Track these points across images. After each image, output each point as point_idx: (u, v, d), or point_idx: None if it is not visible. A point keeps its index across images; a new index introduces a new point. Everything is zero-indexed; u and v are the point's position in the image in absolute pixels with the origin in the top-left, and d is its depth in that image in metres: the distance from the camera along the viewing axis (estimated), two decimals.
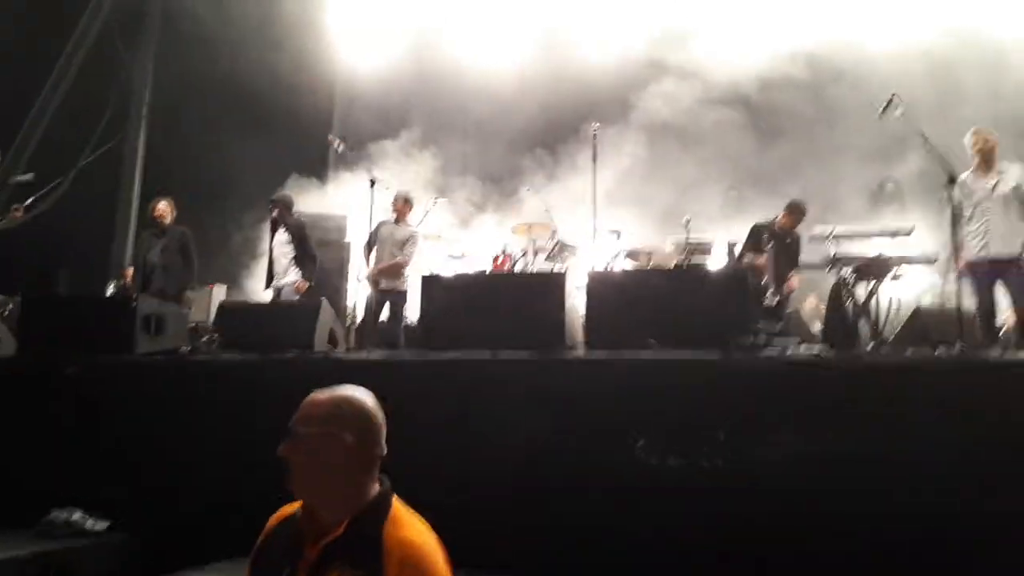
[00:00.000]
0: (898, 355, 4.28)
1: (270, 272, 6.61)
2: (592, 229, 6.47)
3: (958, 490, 3.15)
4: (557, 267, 7.25)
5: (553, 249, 7.49)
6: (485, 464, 3.79)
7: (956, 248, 5.03)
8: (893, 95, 4.83)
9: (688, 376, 3.78)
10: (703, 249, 7.26)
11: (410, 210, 6.97)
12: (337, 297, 7.55)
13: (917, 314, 6.12)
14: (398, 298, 6.70)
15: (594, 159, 6.41)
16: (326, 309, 5.01)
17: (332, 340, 5.06)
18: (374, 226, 6.60)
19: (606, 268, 7.08)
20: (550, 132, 9.44)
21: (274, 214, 6.69)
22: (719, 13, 8.96)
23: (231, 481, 3.97)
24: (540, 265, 7.48)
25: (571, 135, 8.86)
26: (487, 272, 6.96)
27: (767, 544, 3.30)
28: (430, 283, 4.71)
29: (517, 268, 7.39)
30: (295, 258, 6.51)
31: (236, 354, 4.78)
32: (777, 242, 6.41)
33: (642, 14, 9.27)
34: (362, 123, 10.12)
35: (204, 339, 5.84)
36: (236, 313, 5.34)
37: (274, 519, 1.84)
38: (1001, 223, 5.22)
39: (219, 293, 8.55)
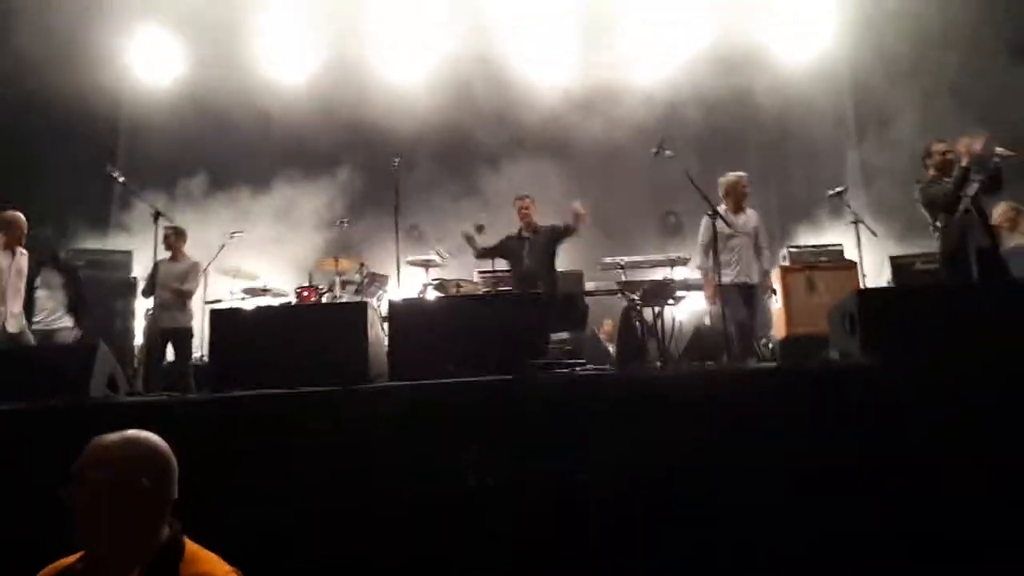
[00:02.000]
0: (675, 369, 4.71)
1: (29, 311, 5.93)
2: (397, 262, 6.49)
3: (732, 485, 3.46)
4: (368, 299, 7.18)
5: (363, 281, 7.43)
6: (287, 502, 3.64)
7: (712, 274, 5.72)
8: (662, 139, 5.39)
9: (489, 398, 3.88)
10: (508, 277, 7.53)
11: (184, 243, 6.67)
12: (123, 338, 7.00)
13: (697, 333, 6.76)
14: (183, 336, 6.35)
15: (396, 192, 6.47)
16: (103, 351, 4.60)
17: (112, 385, 4.64)
18: (151, 267, 6.21)
19: (416, 298, 7.14)
20: (354, 160, 9.39)
21: (39, 256, 6.08)
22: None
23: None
24: (350, 298, 7.38)
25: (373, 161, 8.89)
26: (284, 305, 6.75)
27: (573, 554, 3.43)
28: (222, 318, 4.48)
29: (324, 300, 7.24)
30: (69, 305, 5.96)
31: None
32: (527, 246, 6.68)
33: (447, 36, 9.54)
34: (150, 152, 9.48)
35: None
36: None
37: (44, 574, 1.75)
38: (748, 255, 6.07)
39: None
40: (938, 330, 3.65)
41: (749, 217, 6.27)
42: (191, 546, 1.76)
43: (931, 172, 5.82)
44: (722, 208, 5.99)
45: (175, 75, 9.75)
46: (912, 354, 3.56)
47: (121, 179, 5.82)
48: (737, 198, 6.22)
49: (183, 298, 6.41)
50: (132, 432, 1.78)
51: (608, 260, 6.99)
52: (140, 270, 7.59)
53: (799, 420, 3.51)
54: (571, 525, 3.50)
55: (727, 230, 5.79)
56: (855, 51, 9.31)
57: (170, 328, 6.32)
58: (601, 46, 9.39)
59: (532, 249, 6.59)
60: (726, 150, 8.74)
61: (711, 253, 5.75)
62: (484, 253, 6.90)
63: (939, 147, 5.87)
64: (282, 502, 3.62)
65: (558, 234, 6.66)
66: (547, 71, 9.58)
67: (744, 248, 6.10)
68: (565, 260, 8.21)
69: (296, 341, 4.27)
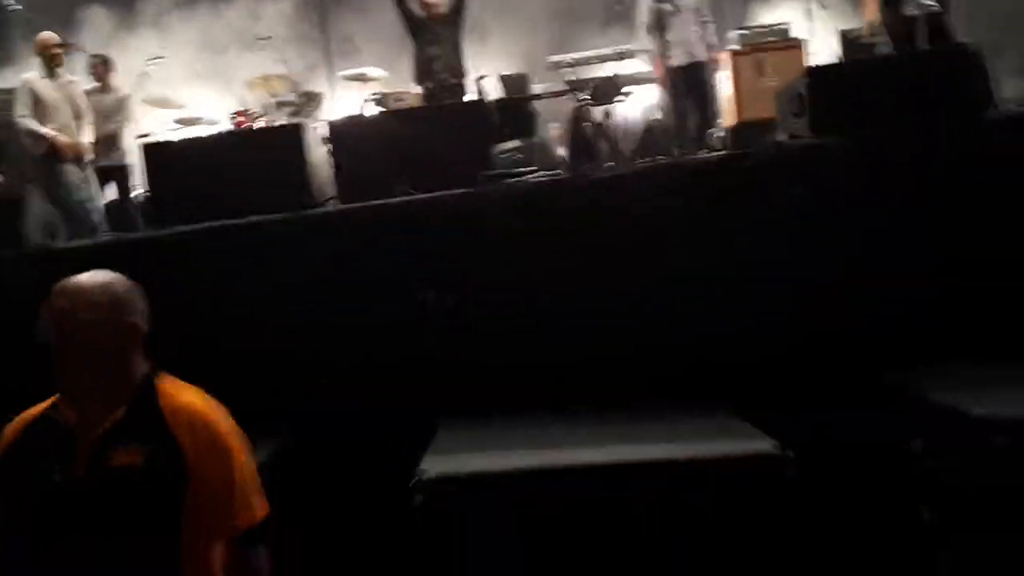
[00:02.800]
0: (628, 168, 4.69)
1: None
2: (331, 76, 6.12)
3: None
4: (305, 121, 6.86)
5: (298, 102, 7.06)
6: (255, 335, 3.67)
7: (657, 58, 5.51)
8: None
9: (443, 215, 3.83)
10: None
11: (111, 71, 6.19)
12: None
13: (648, 129, 6.67)
14: (121, 174, 6.07)
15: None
16: (35, 199, 4.40)
17: (50, 232, 4.49)
18: None
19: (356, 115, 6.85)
20: None
21: None
22: None
23: None
24: (287, 120, 7.04)
25: None
26: (219, 133, 6.43)
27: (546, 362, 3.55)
28: (155, 152, 4.27)
29: (260, 125, 6.91)
30: None
31: None
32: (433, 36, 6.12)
33: None
34: None
35: None
36: None
37: (16, 425, 1.75)
38: (694, 31, 5.81)
39: None
40: (887, 102, 3.63)
41: None
42: (167, 379, 1.78)
43: None
44: None
45: None
46: (862, 129, 3.54)
47: (13, 7, 5.25)
48: None
49: (119, 137, 6.06)
50: (101, 272, 1.74)
51: (554, 59, 6.68)
52: None
53: (753, 208, 3.55)
54: (531, 336, 3.58)
55: (668, 7, 5.48)
56: None
57: (106, 167, 5.97)
58: None
59: (438, 40, 6.06)
60: None
61: (656, 34, 5.54)
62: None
63: None
64: (241, 333, 3.65)
65: (458, 6, 6.05)
66: None
67: (687, 24, 5.85)
68: (508, 62, 7.86)
69: (236, 170, 4.10)
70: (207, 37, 8.36)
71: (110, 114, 6.02)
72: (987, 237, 3.37)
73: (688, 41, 5.82)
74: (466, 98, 6.11)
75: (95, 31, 7.87)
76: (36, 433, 1.72)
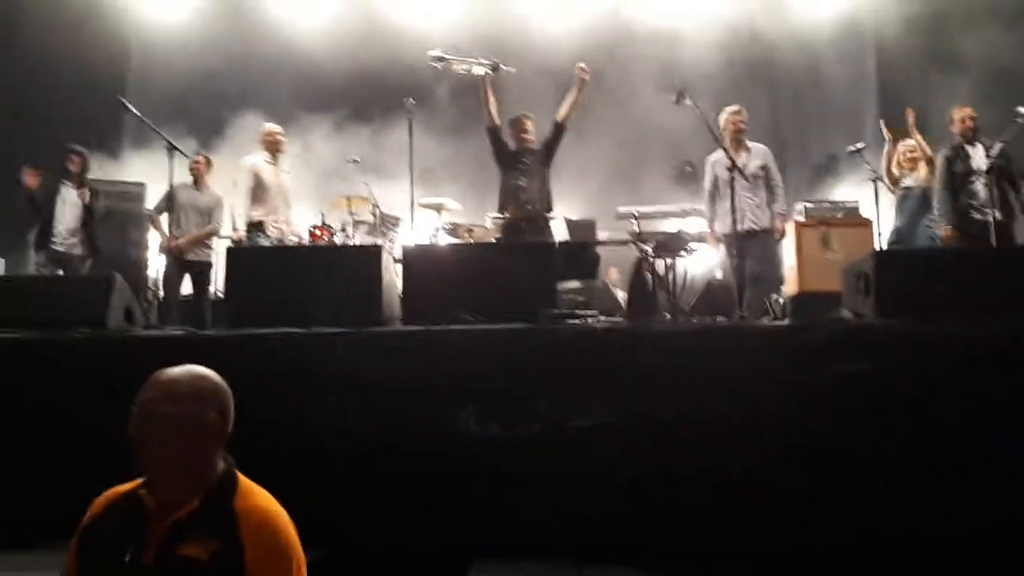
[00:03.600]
0: (686, 324, 4.73)
1: (47, 232, 6.00)
2: (411, 204, 6.45)
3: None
4: (379, 241, 7.17)
5: (375, 223, 7.41)
6: (304, 443, 3.71)
7: (715, 223, 5.67)
8: (683, 87, 5.28)
9: (501, 347, 3.91)
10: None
11: (209, 171, 6.60)
12: (137, 270, 7.05)
13: (708, 287, 6.76)
14: (205, 270, 6.37)
15: (410, 133, 6.39)
16: (120, 283, 4.65)
17: (129, 317, 4.71)
18: (167, 191, 6.19)
19: (429, 243, 7.14)
20: (369, 99, 9.26)
21: (73, 167, 6.12)
22: None
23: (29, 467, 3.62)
24: (362, 239, 7.38)
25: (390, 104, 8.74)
26: (301, 245, 6.76)
27: (581, 505, 3.49)
28: (239, 256, 4.51)
29: (337, 242, 7.24)
30: (85, 228, 6.01)
31: (13, 333, 4.30)
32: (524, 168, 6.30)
33: None
34: (162, 85, 9.37)
35: None
36: (10, 288, 4.81)
37: (103, 500, 1.82)
38: (750, 198, 5.84)
39: None
40: (952, 296, 3.65)
41: (753, 155, 5.99)
42: (244, 479, 1.82)
43: (957, 138, 5.78)
44: (720, 151, 5.78)
45: (186, 9, 9.63)
46: (927, 318, 3.55)
47: (135, 110, 5.77)
48: (732, 135, 5.96)
49: (213, 235, 6.40)
50: (195, 367, 1.83)
51: (623, 210, 6.94)
52: (150, 203, 7.59)
53: (809, 379, 3.53)
54: (572, 474, 3.55)
55: (731, 175, 5.54)
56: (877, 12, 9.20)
57: (193, 261, 6.30)
58: None
59: (527, 172, 6.25)
60: (742, 101, 8.58)
61: (715, 199, 5.69)
62: (495, 131, 6.26)
63: (961, 113, 5.80)
64: (293, 441, 3.69)
65: (551, 143, 6.30)
66: (563, 13, 9.42)
67: (750, 191, 5.84)
68: (579, 209, 8.19)
69: (311, 281, 4.30)
70: (332, 157, 8.95)
71: (206, 212, 6.40)
72: None
73: (747, 207, 5.82)
74: (547, 228, 6.28)
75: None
76: (118, 511, 1.78)
